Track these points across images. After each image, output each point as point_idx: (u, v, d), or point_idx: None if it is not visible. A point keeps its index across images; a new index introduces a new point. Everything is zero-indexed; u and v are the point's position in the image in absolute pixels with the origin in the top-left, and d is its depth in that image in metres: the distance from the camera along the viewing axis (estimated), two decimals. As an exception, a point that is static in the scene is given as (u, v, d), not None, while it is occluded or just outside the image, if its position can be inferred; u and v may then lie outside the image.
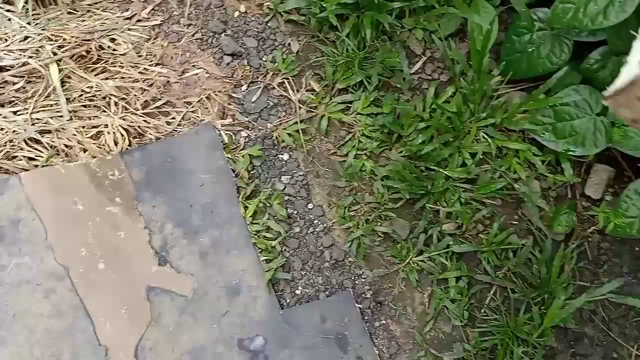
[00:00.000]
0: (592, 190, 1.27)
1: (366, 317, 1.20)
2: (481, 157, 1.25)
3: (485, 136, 1.26)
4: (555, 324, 1.14)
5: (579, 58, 1.22)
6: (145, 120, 1.28)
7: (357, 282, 1.23)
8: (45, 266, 1.14)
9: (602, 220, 1.19)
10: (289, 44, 1.35)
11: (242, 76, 1.33)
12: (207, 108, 1.31)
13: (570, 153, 1.21)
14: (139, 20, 1.37)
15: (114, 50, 1.33)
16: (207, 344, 1.13)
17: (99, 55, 1.32)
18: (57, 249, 1.16)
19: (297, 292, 1.21)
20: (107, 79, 1.30)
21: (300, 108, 1.31)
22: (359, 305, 1.20)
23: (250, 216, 1.23)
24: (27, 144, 1.23)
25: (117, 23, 1.35)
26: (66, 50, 1.30)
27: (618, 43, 1.18)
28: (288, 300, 1.20)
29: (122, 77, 1.30)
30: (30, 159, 1.22)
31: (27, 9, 1.33)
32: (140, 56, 1.33)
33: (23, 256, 1.15)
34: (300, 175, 1.29)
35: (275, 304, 1.17)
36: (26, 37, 1.31)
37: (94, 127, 1.26)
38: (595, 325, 1.21)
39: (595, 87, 1.20)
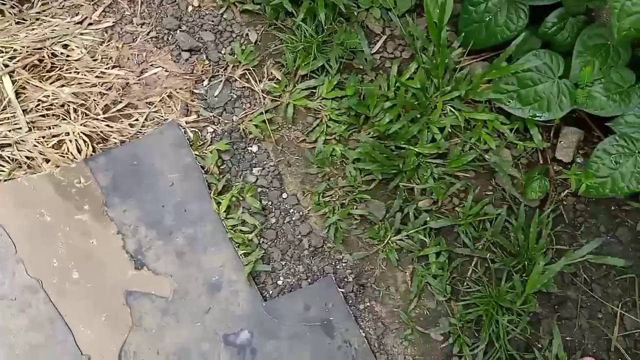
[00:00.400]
0: (562, 153, 1.32)
1: (350, 301, 1.24)
2: (450, 130, 1.30)
3: (452, 109, 1.31)
4: (537, 290, 1.19)
5: (537, 23, 1.27)
6: (107, 125, 1.31)
7: (338, 267, 1.27)
8: (18, 281, 1.17)
9: (574, 182, 1.24)
10: (247, 35, 1.39)
11: (202, 71, 1.37)
12: (169, 106, 1.34)
13: (537, 118, 1.26)
14: (90, 24, 1.39)
15: (68, 56, 1.35)
16: (192, 343, 1.17)
17: (52, 63, 1.34)
18: (28, 262, 1.18)
19: (279, 282, 1.25)
20: (63, 86, 1.32)
21: (264, 98, 1.35)
22: (342, 290, 1.24)
23: (224, 211, 1.26)
24: (-14, 160, 1.26)
25: (68, 29, 1.37)
26: (18, 60, 1.32)
27: (573, 4, 1.24)
28: (271, 292, 1.24)
29: (79, 83, 1.33)
30: (-8, 174, 1.25)
31: (-27, 22, 1.34)
32: (95, 60, 1.35)
33: (-6, 272, 1.18)
34: (271, 165, 1.32)
35: (257, 296, 1.21)
36: (-25, 51, 1.32)
37: (54, 136, 1.28)
38: (577, 288, 1.26)
39: (555, 50, 1.25)
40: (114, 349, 1.14)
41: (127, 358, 1.14)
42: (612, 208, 1.32)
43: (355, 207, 1.29)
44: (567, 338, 1.24)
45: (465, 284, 1.26)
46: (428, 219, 1.27)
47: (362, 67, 1.36)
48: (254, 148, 1.33)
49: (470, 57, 1.34)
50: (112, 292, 1.18)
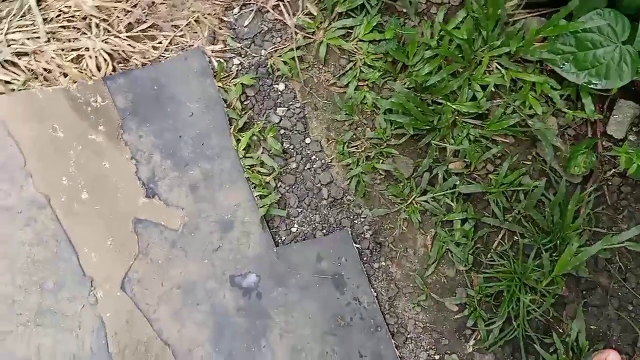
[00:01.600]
0: (614, 128, 1.30)
1: (364, 258, 1.27)
2: (493, 90, 1.28)
3: (499, 67, 1.29)
4: (566, 272, 1.19)
5: (606, -21, 1.24)
6: (129, 45, 1.33)
7: (355, 221, 1.30)
8: (25, 194, 1.23)
9: (624, 161, 1.21)
10: (286, -38, 1.39)
11: (234, -3, 1.37)
12: (196, 32, 1.36)
13: (592, 86, 1.23)
14: None
15: (94, -34, 1.37)
16: (198, 279, 1.22)
17: (77, -28, 1.36)
18: (36, 176, 1.23)
19: (293, 229, 1.29)
20: (87, -3, 1.35)
21: (296, 34, 1.35)
22: (357, 245, 1.27)
23: (243, 149, 1.29)
24: (2, 66, 1.30)
25: (97, -63, 1.39)
26: (42, -35, 1.35)
27: (649, -38, 1.20)
28: (283, 238, 1.28)
29: (104, -4, 1.35)
30: (7, 82, 1.29)
31: None
32: (123, -27, 1.37)
33: (1, 183, 1.23)
34: (296, 107, 1.34)
35: (269, 240, 1.25)
36: (-2, -49, 1.35)
37: (74, 50, 1.32)
38: (610, 275, 1.26)
39: (622, 11, 1.21)
40: (117, 274, 1.20)
41: (130, 285, 1.20)
42: (661, 194, 1.30)
43: (381, 161, 1.30)
44: (592, 326, 1.25)
45: (489, 255, 1.27)
46: (458, 182, 1.27)
47: (404, 11, 1.35)
48: (281, 86, 1.34)
49: (525, 11, 1.31)
50: (121, 217, 1.23)
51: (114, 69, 1.31)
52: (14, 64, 1.30)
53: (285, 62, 1.33)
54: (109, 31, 1.33)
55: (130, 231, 1.22)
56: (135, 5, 1.35)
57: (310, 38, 1.35)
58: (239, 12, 1.37)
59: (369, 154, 1.30)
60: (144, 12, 1.35)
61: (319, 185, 1.30)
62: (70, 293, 1.19)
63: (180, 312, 1.19)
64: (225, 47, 1.35)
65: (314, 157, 1.32)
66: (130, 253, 1.21)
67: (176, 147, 1.27)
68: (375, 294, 1.25)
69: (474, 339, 1.25)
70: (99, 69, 1.30)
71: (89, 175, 1.24)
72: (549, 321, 1.24)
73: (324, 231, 1.28)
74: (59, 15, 1.33)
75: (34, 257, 1.20)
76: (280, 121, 1.33)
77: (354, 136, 1.31)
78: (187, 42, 1.35)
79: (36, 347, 1.17)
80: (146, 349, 1.17)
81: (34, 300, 1.19)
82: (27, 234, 1.21)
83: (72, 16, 1.33)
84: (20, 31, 1.31)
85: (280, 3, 1.36)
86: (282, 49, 1.34)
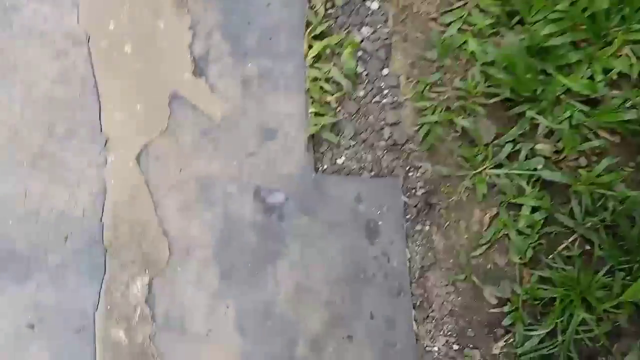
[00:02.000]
0: None
1: (408, 215, 1.13)
2: (615, 77, 1.11)
3: (631, 53, 1.11)
4: (635, 300, 1.04)
5: None
6: None
7: (411, 173, 1.15)
8: (65, 25, 1.12)
9: None
10: None
11: None
12: None
13: None
14: None
15: None
16: (221, 179, 1.10)
17: None
18: (83, 10, 1.13)
19: (339, 161, 1.15)
20: None
21: (411, -48, 1.20)
22: (405, 199, 1.13)
23: (312, 57, 1.15)
24: None
25: None
26: None
27: None
28: (325, 166, 1.15)
29: None
30: None
31: None
32: None
33: (43, 4, 1.13)
34: (385, 32, 1.19)
35: (310, 164, 1.12)
36: None
37: None
38: (682, 320, 1.08)
39: None
40: (137, 143, 1.09)
41: (147, 159, 1.09)
42: None
43: (462, 116, 1.14)
44: (641, 371, 1.08)
45: (551, 257, 1.11)
46: (541, 166, 1.11)
47: (541, -39, 1.18)
48: (374, 5, 1.20)
49: (682, 1, 1.12)
50: (159, 85, 1.11)
51: None
52: None
53: (387, -21, 1.19)
54: None
55: (164, 103, 1.11)
56: None
57: (423, -40, 1.19)
58: None
59: (450, 105, 1.15)
60: None
61: (382, 123, 1.17)
62: (80, 145, 1.08)
63: (191, 206, 1.08)
64: (329, -55, 1.21)
65: (386, 91, 1.18)
66: (158, 126, 1.10)
67: (241, 33, 1.14)
68: (408, 257, 1.11)
69: (504, 341, 1.11)
70: None
71: (139, 29, 1.13)
72: (597, 349, 1.09)
73: (372, 173, 1.15)
74: None
75: (53, 94, 1.10)
76: (362, 41, 1.19)
77: (440, 81, 1.16)
78: None
79: (24, 190, 1.07)
80: (142, 232, 1.06)
81: (38, 140, 1.08)
82: (54, 68, 1.11)
83: None
84: None
85: None
86: (389, -36, 1.20)
